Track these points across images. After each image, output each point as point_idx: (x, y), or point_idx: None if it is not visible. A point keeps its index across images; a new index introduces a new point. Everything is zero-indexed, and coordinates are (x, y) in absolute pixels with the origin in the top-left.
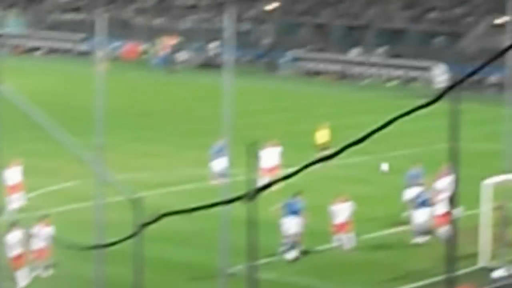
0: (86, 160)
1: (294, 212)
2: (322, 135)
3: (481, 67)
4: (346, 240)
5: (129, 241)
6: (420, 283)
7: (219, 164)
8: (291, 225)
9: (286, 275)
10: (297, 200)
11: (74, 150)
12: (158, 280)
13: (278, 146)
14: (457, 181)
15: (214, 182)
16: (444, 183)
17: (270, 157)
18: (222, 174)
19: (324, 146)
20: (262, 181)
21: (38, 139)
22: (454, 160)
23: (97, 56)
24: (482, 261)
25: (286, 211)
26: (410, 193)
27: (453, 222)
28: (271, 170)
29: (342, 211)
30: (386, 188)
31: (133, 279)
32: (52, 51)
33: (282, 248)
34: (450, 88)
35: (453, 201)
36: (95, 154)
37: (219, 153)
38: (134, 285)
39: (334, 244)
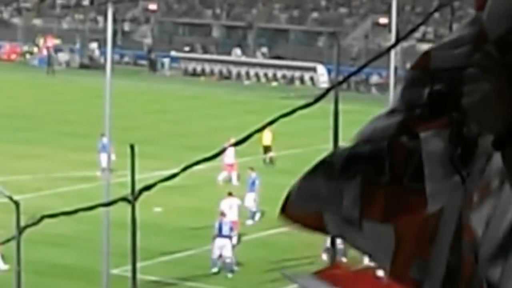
0: None
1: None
2: (266, 137)
3: (363, 67)
4: None
5: (10, 244)
6: None
7: (104, 159)
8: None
9: (167, 277)
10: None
11: None
12: (39, 283)
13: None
14: None
15: (101, 176)
16: None
17: (230, 154)
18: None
19: (268, 148)
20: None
21: None
22: None
23: None
24: None
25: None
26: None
27: None
28: (231, 165)
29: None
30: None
31: (13, 283)
32: None
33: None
34: (331, 88)
35: None
36: None
37: (103, 148)
38: None
39: None
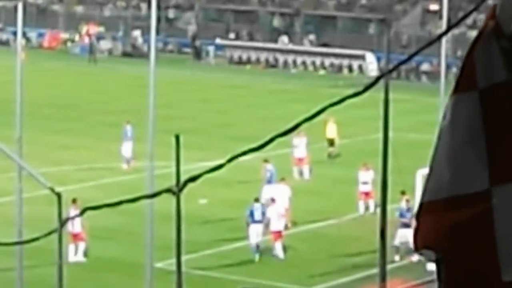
0: (6, 153)
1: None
2: (330, 130)
3: (413, 55)
4: None
5: (51, 237)
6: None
7: (127, 149)
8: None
9: (212, 271)
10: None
11: None
12: (81, 277)
13: (304, 137)
14: (386, 170)
15: (124, 167)
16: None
17: (301, 147)
18: (130, 160)
19: (332, 142)
20: (296, 171)
21: None
22: (384, 150)
23: (16, 45)
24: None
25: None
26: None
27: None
28: (301, 159)
29: None
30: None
31: (56, 276)
32: None
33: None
34: (381, 76)
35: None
36: (15, 147)
37: (127, 137)
38: (57, 282)
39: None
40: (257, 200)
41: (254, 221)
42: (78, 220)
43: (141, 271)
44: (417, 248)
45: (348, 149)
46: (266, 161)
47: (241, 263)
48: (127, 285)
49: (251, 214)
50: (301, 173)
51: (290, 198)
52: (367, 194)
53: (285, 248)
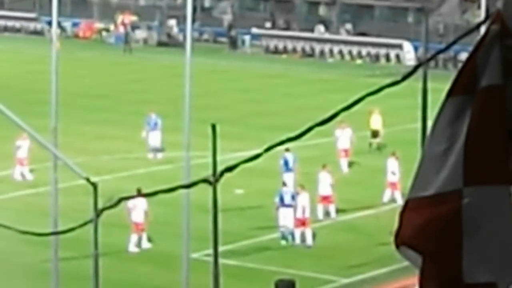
0: (41, 143)
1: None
2: (374, 121)
3: (451, 44)
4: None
5: (86, 227)
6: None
7: (154, 138)
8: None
9: (249, 262)
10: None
11: (28, 133)
12: (116, 267)
13: (347, 128)
14: None
15: (150, 156)
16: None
17: (344, 138)
18: (156, 150)
19: (376, 133)
20: (343, 164)
21: None
22: (423, 140)
23: (51, 35)
24: None
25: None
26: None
27: None
28: (345, 151)
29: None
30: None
31: (92, 267)
32: (3, 29)
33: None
34: (419, 65)
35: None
36: (50, 137)
37: (153, 127)
38: (92, 273)
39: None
40: (284, 184)
41: (284, 205)
42: (141, 209)
43: (177, 262)
44: (397, 246)
45: (386, 139)
46: (287, 150)
47: (278, 254)
48: (163, 276)
49: (281, 198)
50: (342, 164)
51: (332, 185)
52: (393, 184)
53: (321, 238)
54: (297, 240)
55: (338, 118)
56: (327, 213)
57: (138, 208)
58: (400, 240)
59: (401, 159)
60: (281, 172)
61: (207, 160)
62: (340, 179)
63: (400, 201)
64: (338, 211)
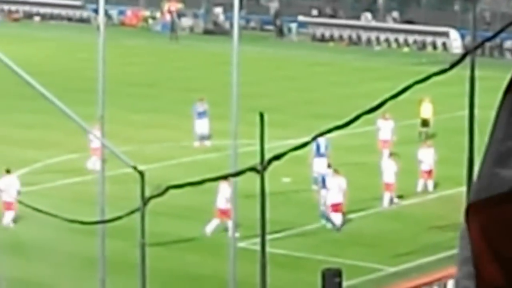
0: (88, 132)
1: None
2: (425, 109)
3: (499, 32)
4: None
5: (133, 216)
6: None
7: (202, 126)
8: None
9: (296, 250)
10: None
11: (75, 121)
12: (163, 256)
13: (390, 120)
14: (472, 148)
15: (196, 144)
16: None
17: (385, 129)
18: (204, 137)
19: (426, 122)
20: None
21: (36, 110)
22: (470, 128)
23: (98, 22)
24: None
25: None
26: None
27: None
28: (387, 142)
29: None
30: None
31: (138, 255)
32: (49, 17)
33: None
34: (466, 53)
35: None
36: (97, 126)
37: (201, 114)
38: (139, 261)
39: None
40: (329, 166)
41: (325, 188)
42: (227, 195)
43: (224, 250)
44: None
45: (434, 128)
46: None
47: (325, 243)
48: (210, 265)
49: (323, 180)
50: (386, 154)
51: (396, 172)
52: (428, 172)
53: (368, 226)
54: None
55: (383, 108)
56: (390, 200)
57: (221, 195)
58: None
59: (448, 147)
60: (312, 156)
61: (254, 148)
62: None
63: (430, 188)
64: (401, 196)
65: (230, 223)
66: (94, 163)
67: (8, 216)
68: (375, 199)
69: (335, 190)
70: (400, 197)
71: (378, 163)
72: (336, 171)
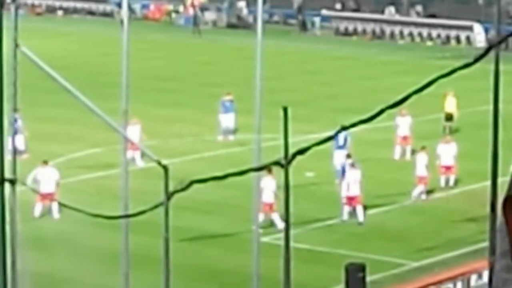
0: (112, 126)
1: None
2: (449, 103)
3: None
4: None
5: (156, 210)
6: None
7: (227, 120)
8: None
9: (319, 245)
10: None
11: (98, 116)
12: (187, 250)
13: (408, 116)
14: (496, 143)
15: (220, 138)
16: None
17: (403, 125)
18: (229, 132)
19: (450, 116)
20: (397, 151)
21: (59, 104)
22: (495, 122)
23: (121, 16)
24: None
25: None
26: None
27: (494, 188)
28: (405, 138)
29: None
30: None
31: (162, 250)
32: (72, 11)
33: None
34: (490, 48)
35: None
36: (121, 120)
37: (226, 108)
38: (162, 256)
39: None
40: (349, 156)
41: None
42: (270, 190)
43: (247, 245)
44: None
45: (458, 122)
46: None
47: (348, 237)
48: (233, 260)
49: (343, 170)
50: (403, 152)
51: (427, 166)
52: (448, 168)
53: (391, 221)
54: (345, 216)
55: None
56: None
57: (267, 188)
58: None
59: (472, 142)
60: (332, 148)
61: (277, 143)
62: (405, 165)
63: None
64: (405, 193)
65: (275, 216)
66: (133, 157)
67: (39, 208)
68: (398, 193)
69: (351, 183)
70: (429, 192)
71: (401, 158)
72: (352, 165)
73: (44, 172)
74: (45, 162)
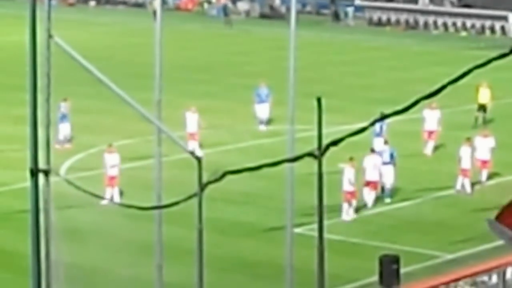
0: (145, 116)
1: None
2: (482, 95)
3: None
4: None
5: (190, 201)
6: None
7: (262, 110)
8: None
9: (353, 236)
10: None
11: (132, 106)
12: (220, 241)
13: (436, 110)
14: None
15: (259, 128)
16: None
17: (430, 119)
18: (264, 122)
19: (483, 107)
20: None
21: (92, 95)
22: None
23: (153, 7)
24: None
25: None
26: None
27: None
28: (432, 133)
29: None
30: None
31: (196, 241)
32: (104, 2)
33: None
34: None
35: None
36: (154, 111)
37: (262, 98)
38: (196, 247)
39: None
40: (387, 142)
41: (384, 163)
42: (351, 178)
43: (280, 236)
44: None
45: (492, 113)
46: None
47: (382, 229)
48: (266, 251)
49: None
50: (428, 146)
51: (472, 158)
52: (484, 162)
53: (425, 213)
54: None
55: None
56: (462, 186)
57: (345, 177)
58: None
59: (507, 133)
60: (371, 136)
61: (311, 134)
62: (440, 156)
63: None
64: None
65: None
66: (193, 148)
67: (113, 191)
68: (431, 185)
69: (370, 169)
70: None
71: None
72: (372, 150)
73: (109, 157)
74: (110, 146)
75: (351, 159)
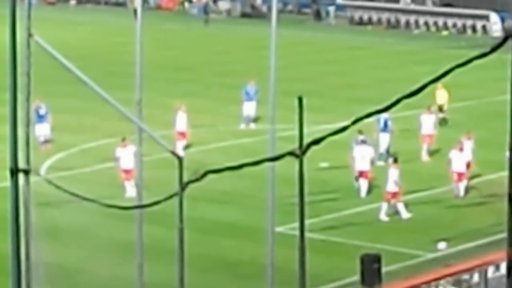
0: (126, 116)
1: None
2: (439, 96)
3: None
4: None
5: (170, 201)
6: None
7: (250, 108)
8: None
9: (334, 235)
10: None
11: (113, 106)
12: (201, 241)
13: (433, 114)
14: None
15: (242, 126)
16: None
17: (427, 123)
18: (252, 119)
19: (441, 108)
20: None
21: (72, 94)
22: None
23: (134, 6)
24: None
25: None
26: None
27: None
28: (430, 136)
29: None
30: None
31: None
32: (85, 1)
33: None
34: (507, 37)
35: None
36: (135, 110)
37: (251, 96)
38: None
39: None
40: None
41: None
42: (395, 178)
43: (262, 235)
44: None
45: (471, 112)
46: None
47: (363, 228)
48: (247, 250)
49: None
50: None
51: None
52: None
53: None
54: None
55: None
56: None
57: (390, 179)
58: None
59: (489, 132)
60: (377, 131)
61: (292, 133)
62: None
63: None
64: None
65: (400, 205)
66: (182, 147)
67: (129, 186)
68: (413, 186)
69: (359, 159)
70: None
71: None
72: (364, 141)
73: (123, 151)
74: (123, 140)
75: (395, 160)
